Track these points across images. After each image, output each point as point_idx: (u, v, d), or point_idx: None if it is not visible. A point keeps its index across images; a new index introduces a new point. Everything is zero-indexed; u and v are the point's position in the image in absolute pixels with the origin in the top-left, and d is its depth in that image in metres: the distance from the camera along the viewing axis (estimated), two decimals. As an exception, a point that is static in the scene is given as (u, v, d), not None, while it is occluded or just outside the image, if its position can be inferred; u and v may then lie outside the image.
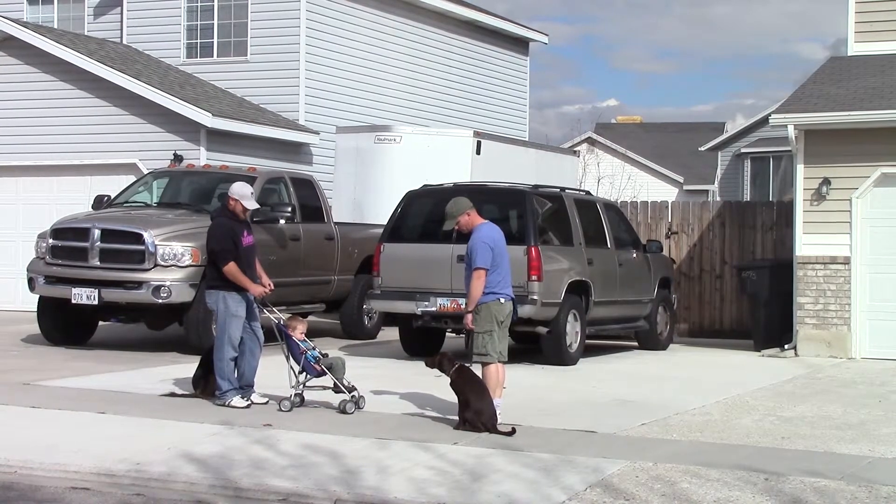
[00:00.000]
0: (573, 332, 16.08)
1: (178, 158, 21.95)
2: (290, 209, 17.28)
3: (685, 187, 50.78)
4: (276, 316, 11.87)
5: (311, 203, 18.32)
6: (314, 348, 11.70)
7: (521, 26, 32.31)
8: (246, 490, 8.49)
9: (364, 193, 21.10)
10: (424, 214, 16.67)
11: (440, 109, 28.63)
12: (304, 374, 11.57)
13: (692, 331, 21.08)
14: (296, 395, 11.56)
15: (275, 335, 11.82)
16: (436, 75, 28.80)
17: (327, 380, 11.48)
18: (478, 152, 20.73)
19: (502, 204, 16.61)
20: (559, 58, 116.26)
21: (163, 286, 15.66)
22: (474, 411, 10.44)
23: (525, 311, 15.38)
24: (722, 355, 18.07)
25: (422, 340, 16.60)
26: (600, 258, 16.95)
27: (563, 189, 17.45)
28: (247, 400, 11.69)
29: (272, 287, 12.08)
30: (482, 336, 10.84)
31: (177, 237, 15.99)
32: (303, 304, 18.10)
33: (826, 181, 17.53)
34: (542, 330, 15.74)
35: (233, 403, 11.56)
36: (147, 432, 10.26)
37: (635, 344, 18.73)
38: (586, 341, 16.53)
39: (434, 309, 15.71)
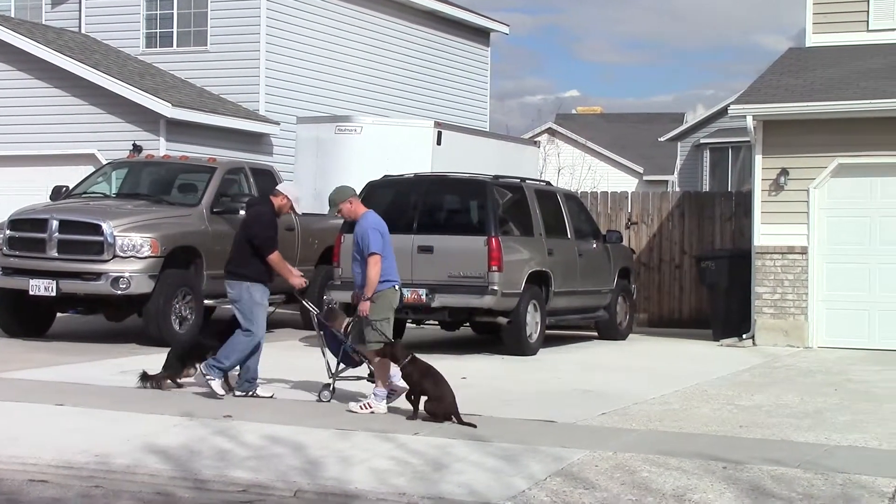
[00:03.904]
0: (533, 322, 16.14)
1: (137, 149, 21.84)
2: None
3: (645, 178, 50.99)
4: (313, 308, 11.92)
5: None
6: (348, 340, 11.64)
7: (481, 16, 32.34)
8: (207, 481, 8.48)
9: (325, 184, 20.91)
10: (385, 205, 16.62)
11: (401, 100, 28.61)
12: (342, 365, 11.50)
13: (652, 321, 21.20)
14: (333, 385, 11.50)
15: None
16: (397, 66, 28.77)
17: (360, 370, 11.51)
18: (438, 143, 20.72)
19: (463, 194, 16.65)
20: (521, 48, 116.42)
21: (122, 277, 15.59)
22: (434, 400, 10.47)
23: (485, 301, 15.46)
24: (681, 345, 18.18)
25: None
26: (560, 248, 17.01)
27: (523, 179, 17.50)
28: (241, 392, 11.68)
29: (306, 283, 12.10)
30: (381, 323, 10.93)
31: (136, 228, 15.92)
32: (263, 295, 18.03)
33: (784, 171, 17.66)
34: (503, 320, 15.79)
35: (213, 386, 11.54)
36: (107, 424, 10.21)
37: (595, 334, 18.82)
38: (546, 331, 16.59)
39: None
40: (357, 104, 26.65)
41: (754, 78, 19.31)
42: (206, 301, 16.68)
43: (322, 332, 11.70)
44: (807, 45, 19.88)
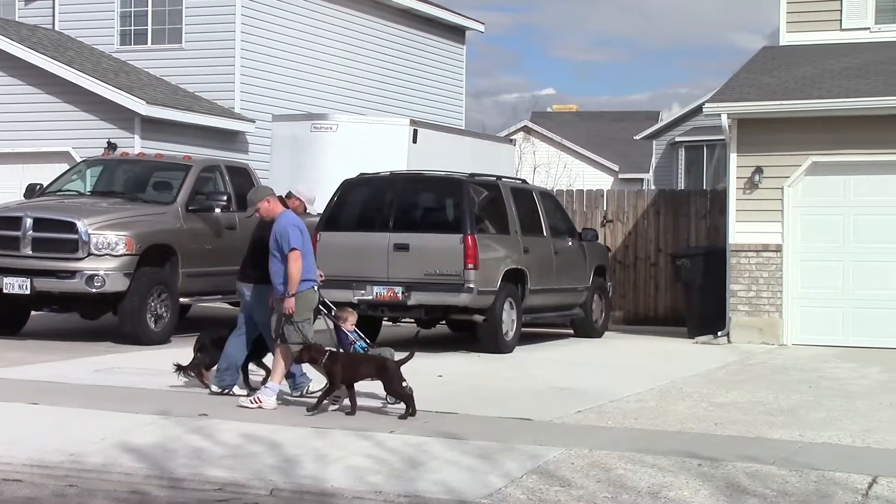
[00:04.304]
0: (509, 319, 16.16)
1: (111, 146, 21.77)
2: (225, 198, 17.21)
3: (620, 176, 51.10)
4: (323, 309, 11.72)
5: (246, 192, 18.14)
6: (365, 340, 11.51)
7: (457, 14, 32.34)
8: (182, 480, 8.46)
9: (300, 182, 20.99)
10: (361, 203, 16.68)
11: (377, 98, 28.59)
12: None
13: (627, 318, 21.25)
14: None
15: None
16: (372, 64, 28.75)
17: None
18: (414, 141, 20.72)
19: (439, 192, 16.66)
20: (497, 46, 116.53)
21: (97, 275, 15.52)
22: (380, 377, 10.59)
23: (461, 299, 15.47)
24: (656, 342, 18.24)
25: (358, 329, 16.55)
26: (536, 246, 17.03)
27: (499, 177, 17.52)
28: (217, 389, 11.66)
29: (323, 277, 12.01)
30: (303, 325, 10.90)
31: (111, 226, 15.85)
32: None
33: (758, 170, 17.73)
34: (479, 318, 15.80)
35: (214, 389, 11.60)
36: (82, 423, 10.17)
37: (571, 332, 18.85)
38: (522, 329, 16.61)
39: (370, 297, 15.72)
40: (333, 102, 26.62)
41: (729, 76, 19.40)
42: (181, 299, 16.63)
43: (335, 332, 11.54)
44: (781, 44, 19.97)
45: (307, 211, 12.01)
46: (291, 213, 11.34)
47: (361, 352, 11.29)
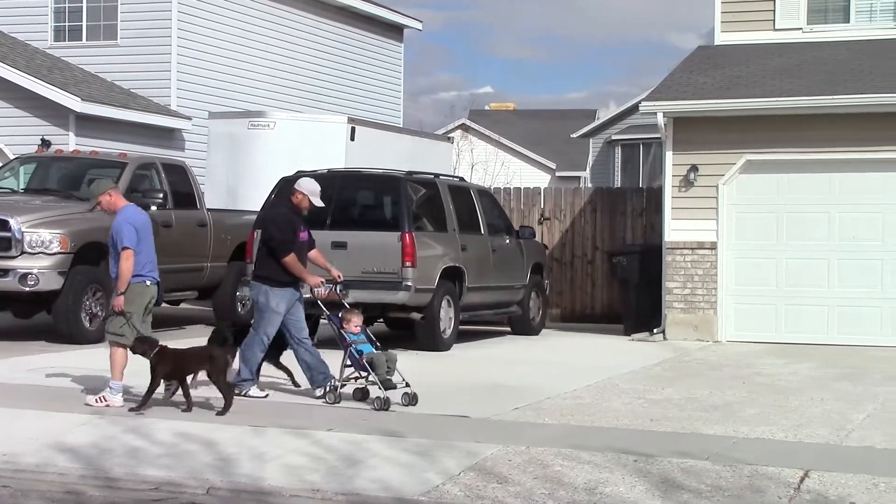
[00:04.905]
0: (447, 317, 16.19)
1: (45, 144, 21.53)
2: (161, 195, 17.08)
3: (558, 174, 51.33)
4: (326, 311, 11.62)
5: (183, 189, 18.12)
6: (373, 342, 11.32)
7: (395, 12, 32.31)
8: (118, 479, 8.40)
9: (238, 180, 20.93)
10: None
11: (315, 95, 28.51)
12: (351, 367, 11.23)
13: (564, 316, 21.35)
14: (340, 387, 11.24)
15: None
16: (310, 61, 28.66)
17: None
18: (352, 138, 20.71)
19: (377, 190, 16.66)
20: (434, 44, 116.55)
21: (30, 274, 15.35)
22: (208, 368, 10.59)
23: (399, 297, 15.48)
24: (593, 340, 18.35)
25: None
26: (474, 244, 17.08)
27: (437, 175, 17.54)
28: (264, 392, 11.57)
29: (340, 277, 11.87)
30: (121, 318, 10.79)
31: (45, 224, 15.68)
32: (175, 292, 17.90)
33: (694, 168, 17.89)
34: (416, 316, 15.81)
35: (250, 393, 11.40)
36: (15, 423, 10.05)
37: (508, 329, 18.91)
38: (460, 327, 16.64)
39: (308, 296, 15.64)
40: (271, 100, 26.50)
41: (665, 75, 19.55)
42: (116, 298, 16.46)
43: (337, 333, 11.41)
44: (716, 44, 20.16)
45: (313, 204, 11.70)
46: (133, 207, 11.13)
47: (358, 355, 11.11)
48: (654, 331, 18.17)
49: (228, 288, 18.64)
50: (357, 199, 16.76)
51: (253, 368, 11.62)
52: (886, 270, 17.31)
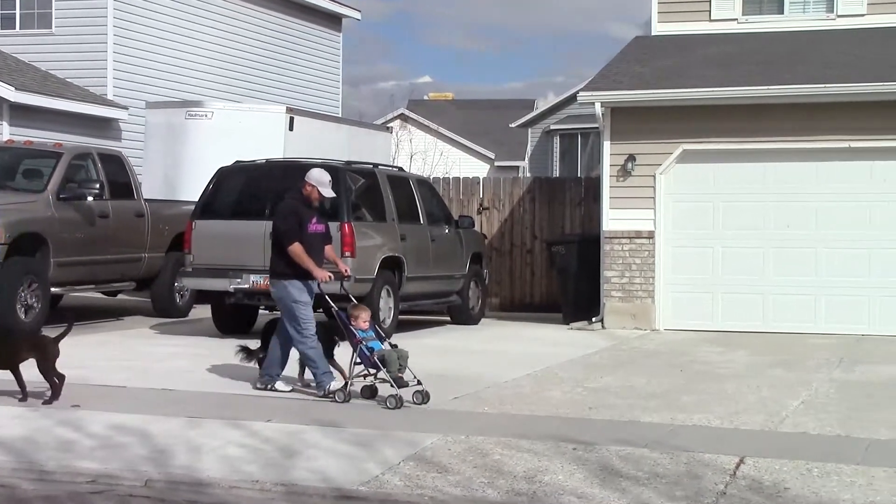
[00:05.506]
0: (386, 307, 16.18)
1: (-22, 134, 21.25)
2: (97, 186, 16.91)
3: (496, 163, 51.44)
4: (334, 305, 11.32)
5: (120, 180, 17.95)
6: (383, 339, 11.09)
7: (333, 2, 32.19)
8: (52, 473, 8.31)
9: (175, 170, 20.79)
10: (237, 191, 16.54)
11: (253, 85, 28.36)
12: (361, 364, 10.91)
13: (503, 305, 21.41)
14: (349, 385, 10.92)
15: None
16: (248, 51, 28.51)
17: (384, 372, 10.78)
18: (290, 128, 20.63)
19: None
20: (373, 34, 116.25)
21: (-36, 265, 15.13)
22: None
23: (338, 286, 15.40)
24: (532, 329, 18.41)
25: (234, 318, 16.49)
26: (413, 234, 17.08)
27: (376, 165, 17.52)
28: (261, 385, 11.33)
29: (348, 272, 11.64)
30: None
31: (-22, 215, 15.46)
32: (112, 283, 17.78)
33: (631, 158, 17.99)
34: (356, 306, 15.76)
35: (332, 387, 11.00)
36: (-52, 416, 9.93)
37: (448, 319, 18.94)
38: (399, 317, 16.64)
39: (247, 286, 15.62)
40: (209, 89, 26.33)
41: (603, 66, 19.65)
42: (53, 289, 16.30)
43: (345, 330, 11.12)
44: (653, 34, 20.30)
45: (323, 195, 11.42)
46: None
47: (368, 352, 10.80)
48: (593, 320, 18.27)
49: (167, 278, 18.51)
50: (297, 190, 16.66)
51: (322, 362, 11.19)
52: (820, 259, 17.52)
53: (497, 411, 10.58)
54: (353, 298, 11.70)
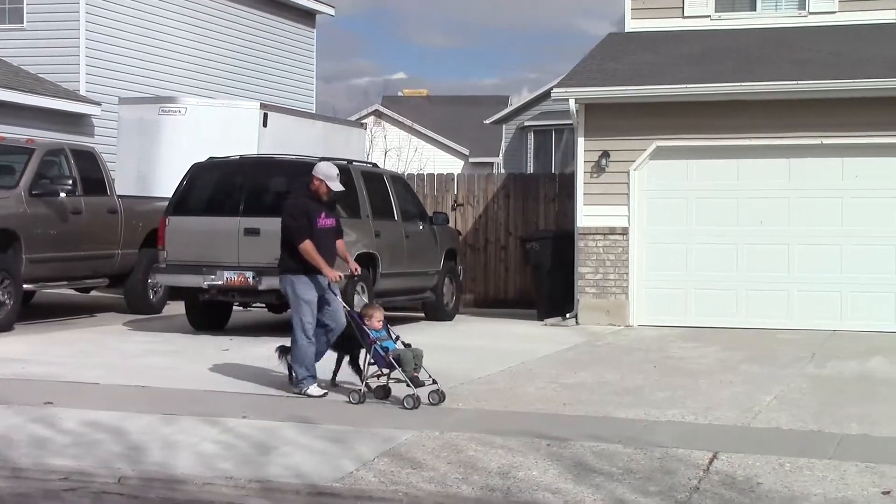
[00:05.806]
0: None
1: (-50, 129, 21.10)
2: (70, 182, 16.85)
3: (471, 160, 51.48)
4: (346, 305, 11.18)
5: (92, 175, 17.87)
6: (396, 338, 10.89)
7: (307, -2, 32.17)
8: (25, 470, 8.28)
9: (149, 166, 20.72)
10: (211, 187, 16.51)
11: (227, 81, 28.29)
12: (375, 365, 10.73)
13: (478, 301, 21.43)
14: (365, 385, 10.73)
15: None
16: (222, 46, 28.43)
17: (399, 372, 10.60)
18: (264, 124, 20.58)
19: (289, 176, 16.51)
20: (347, 30, 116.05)
21: (-65, 262, 15.04)
22: None
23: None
24: (507, 325, 18.43)
25: (208, 314, 16.46)
26: (387, 230, 17.07)
27: (350, 161, 17.50)
28: (323, 389, 11.02)
29: (358, 270, 11.55)
30: None
31: (-50, 211, 15.38)
32: (85, 279, 17.70)
33: (605, 154, 18.03)
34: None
35: (309, 392, 10.85)
36: (-80, 414, 9.87)
37: (422, 315, 18.94)
38: (374, 313, 16.60)
39: (221, 282, 15.58)
40: (182, 85, 26.25)
41: (577, 62, 19.68)
42: (25, 285, 16.23)
43: (357, 330, 10.91)
44: (626, 31, 20.34)
45: (332, 189, 11.21)
46: None
47: (383, 351, 10.65)
48: (567, 316, 18.31)
49: (140, 275, 18.45)
50: (270, 186, 16.64)
51: (309, 364, 11.00)
52: (793, 255, 17.61)
53: (471, 407, 10.59)
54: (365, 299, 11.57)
